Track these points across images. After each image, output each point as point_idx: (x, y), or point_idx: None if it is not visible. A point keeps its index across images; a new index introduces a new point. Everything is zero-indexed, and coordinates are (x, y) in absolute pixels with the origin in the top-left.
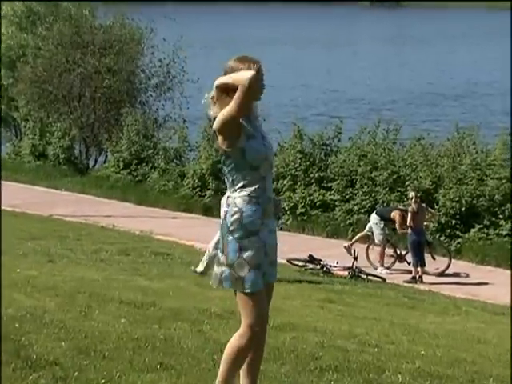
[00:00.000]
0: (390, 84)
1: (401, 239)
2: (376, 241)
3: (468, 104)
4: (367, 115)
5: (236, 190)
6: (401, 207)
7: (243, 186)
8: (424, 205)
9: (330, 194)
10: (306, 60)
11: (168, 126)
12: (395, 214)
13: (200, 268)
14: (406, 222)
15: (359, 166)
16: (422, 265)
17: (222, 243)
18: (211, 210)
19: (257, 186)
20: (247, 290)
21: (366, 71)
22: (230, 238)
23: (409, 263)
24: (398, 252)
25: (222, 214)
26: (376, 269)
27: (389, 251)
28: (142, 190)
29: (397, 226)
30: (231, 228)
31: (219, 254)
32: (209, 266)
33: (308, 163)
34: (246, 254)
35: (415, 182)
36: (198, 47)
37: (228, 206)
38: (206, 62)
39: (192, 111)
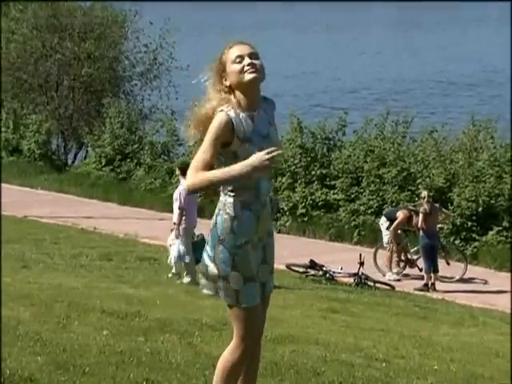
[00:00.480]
0: (396, 72)
1: (412, 242)
2: (384, 244)
3: (484, 94)
4: (372, 106)
5: (226, 194)
6: (410, 207)
7: (234, 191)
8: (437, 205)
9: (334, 193)
10: (306, 46)
11: (155, 118)
12: (400, 213)
13: (187, 279)
14: (410, 222)
15: (365, 162)
16: (435, 271)
17: (214, 253)
18: (203, 211)
19: (249, 192)
20: (243, 305)
21: (371, 58)
22: (221, 247)
23: (420, 269)
24: (409, 257)
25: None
26: (384, 275)
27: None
28: (127, 188)
29: (394, 223)
30: (222, 237)
31: (210, 264)
32: (193, 275)
33: (309, 159)
34: (240, 265)
35: (427, 179)
36: (188, 31)
37: (218, 210)
38: (197, 47)
39: (181, 102)
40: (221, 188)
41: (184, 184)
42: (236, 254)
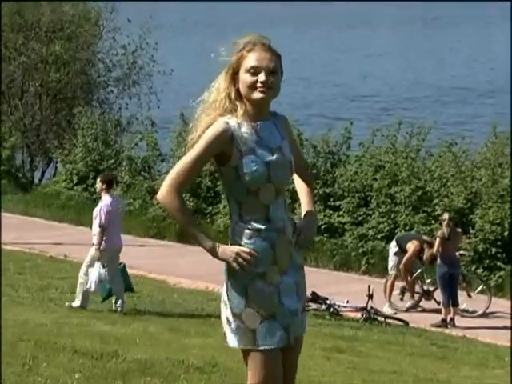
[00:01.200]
0: (407, 77)
1: (428, 271)
2: (389, 271)
3: (508, 102)
4: (378, 116)
5: (233, 218)
6: (425, 238)
7: (240, 215)
8: (459, 230)
9: (338, 216)
10: (304, 47)
11: (133, 130)
12: (410, 245)
13: (77, 303)
14: (421, 256)
15: (374, 179)
16: (455, 304)
17: (226, 287)
18: (188, 236)
19: (257, 216)
20: (260, 348)
21: (378, 60)
22: (232, 280)
23: (438, 302)
24: (425, 288)
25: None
26: (396, 310)
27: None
28: None
29: (404, 258)
30: (231, 268)
31: (224, 298)
32: (85, 299)
33: None
34: (255, 300)
35: (445, 199)
36: (172, 30)
37: (228, 237)
38: (181, 49)
39: (163, 111)
40: (229, 209)
41: (106, 200)
42: (249, 286)
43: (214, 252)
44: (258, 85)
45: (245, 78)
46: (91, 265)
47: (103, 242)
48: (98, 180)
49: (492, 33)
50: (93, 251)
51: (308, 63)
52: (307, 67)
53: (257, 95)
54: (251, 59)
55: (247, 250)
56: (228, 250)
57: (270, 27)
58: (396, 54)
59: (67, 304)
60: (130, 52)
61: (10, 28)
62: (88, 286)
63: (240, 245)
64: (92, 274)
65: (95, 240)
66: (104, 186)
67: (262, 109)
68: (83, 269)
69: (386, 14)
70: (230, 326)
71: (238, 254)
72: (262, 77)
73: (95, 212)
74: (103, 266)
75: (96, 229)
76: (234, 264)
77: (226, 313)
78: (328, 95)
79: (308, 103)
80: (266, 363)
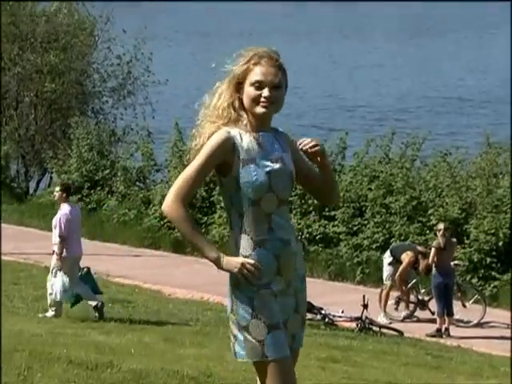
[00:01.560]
0: (401, 87)
1: (423, 281)
2: (384, 280)
3: (504, 112)
4: (371, 127)
5: (235, 230)
6: (420, 248)
7: (242, 226)
8: (455, 240)
9: (333, 226)
10: (296, 56)
11: (129, 140)
12: (404, 256)
13: (50, 313)
14: (416, 266)
15: (369, 189)
16: (450, 314)
17: (230, 299)
18: (183, 246)
19: (260, 227)
20: (270, 358)
21: (371, 70)
22: (237, 292)
23: (433, 312)
24: (420, 297)
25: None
26: (391, 320)
27: (393, 294)
28: (97, 220)
29: (399, 269)
30: (236, 280)
31: (229, 312)
32: (58, 309)
33: None
34: (261, 311)
35: (440, 209)
36: (167, 40)
37: (233, 251)
38: (176, 59)
39: (159, 121)
40: (229, 221)
41: (65, 209)
42: (255, 298)
43: (218, 263)
44: (262, 99)
45: (249, 91)
46: (54, 274)
47: (64, 251)
48: (58, 188)
49: (492, 37)
50: (55, 260)
51: (301, 74)
52: (300, 78)
53: (259, 110)
54: (256, 73)
55: (252, 261)
56: (233, 260)
57: (266, 37)
58: (392, 64)
59: (41, 315)
60: (125, 62)
61: (6, 38)
62: (54, 297)
63: (244, 256)
64: (56, 284)
65: (56, 249)
66: (64, 195)
67: (264, 122)
68: (50, 279)
69: (386, 15)
70: (236, 339)
71: (243, 264)
72: (265, 92)
73: (54, 221)
74: (66, 275)
75: (56, 239)
76: (239, 275)
77: (232, 326)
78: (320, 105)
79: (300, 114)
80: (278, 373)
